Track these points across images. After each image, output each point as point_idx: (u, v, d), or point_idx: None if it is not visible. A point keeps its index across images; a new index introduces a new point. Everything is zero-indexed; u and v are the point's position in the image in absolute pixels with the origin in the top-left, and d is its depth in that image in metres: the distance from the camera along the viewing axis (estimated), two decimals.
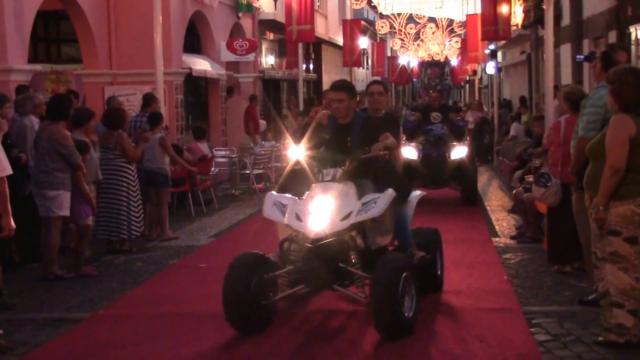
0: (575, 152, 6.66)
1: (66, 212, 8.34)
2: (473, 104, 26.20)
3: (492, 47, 30.04)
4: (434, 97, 15.33)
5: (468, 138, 15.09)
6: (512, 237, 10.17)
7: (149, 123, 10.77)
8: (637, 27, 13.47)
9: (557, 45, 18.54)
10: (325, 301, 7.22)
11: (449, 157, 13.32)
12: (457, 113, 15.43)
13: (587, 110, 6.60)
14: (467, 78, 47.48)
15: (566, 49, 18.90)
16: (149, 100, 11.66)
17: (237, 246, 10.21)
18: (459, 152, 13.43)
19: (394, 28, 41.71)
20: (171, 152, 10.75)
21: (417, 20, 41.69)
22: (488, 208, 12.99)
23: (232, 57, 19.08)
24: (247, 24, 21.27)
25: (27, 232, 8.75)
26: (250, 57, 19.50)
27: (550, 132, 8.20)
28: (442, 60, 54.13)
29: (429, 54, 46.37)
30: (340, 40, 32.54)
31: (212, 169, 14.25)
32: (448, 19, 41.91)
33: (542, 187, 7.91)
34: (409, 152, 13.24)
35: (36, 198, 8.37)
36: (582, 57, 7.40)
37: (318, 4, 29.99)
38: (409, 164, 12.56)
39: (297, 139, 6.99)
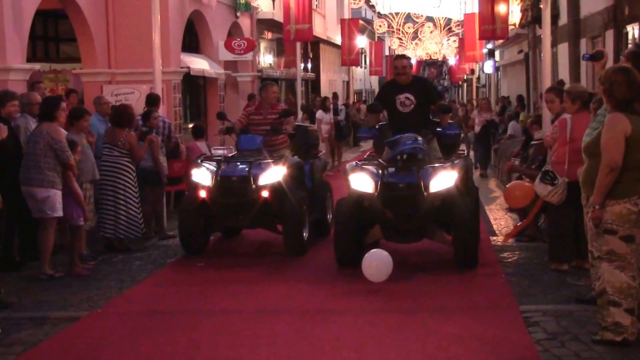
0: None
1: (59, 213, 8.28)
2: (480, 103, 21.70)
3: (489, 46, 30.11)
4: (400, 68, 9.29)
5: (465, 151, 10.17)
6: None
7: (142, 119, 10.82)
8: (634, 27, 13.50)
9: (554, 44, 18.60)
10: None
11: (427, 188, 8.11)
12: (448, 114, 9.91)
13: None
14: (465, 77, 47.57)
15: (564, 48, 18.93)
16: (155, 100, 11.43)
17: (236, 245, 10.25)
18: (443, 179, 8.21)
19: (392, 27, 41.88)
20: (156, 153, 10.62)
21: (415, 19, 41.87)
22: (486, 207, 13.00)
23: (230, 56, 19.10)
24: (245, 23, 21.29)
25: (26, 231, 8.77)
26: (249, 56, 19.52)
27: (555, 130, 8.17)
28: (440, 60, 54.18)
29: (427, 53, 46.44)
30: (338, 40, 32.59)
31: None
32: (446, 18, 42.12)
33: (548, 184, 7.90)
34: (360, 180, 8.38)
35: (28, 200, 8.28)
36: (587, 56, 7.34)
37: (316, 3, 30.01)
38: (359, 201, 8.39)
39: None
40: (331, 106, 21.77)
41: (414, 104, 9.13)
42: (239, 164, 9.25)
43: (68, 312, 7.10)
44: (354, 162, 8.97)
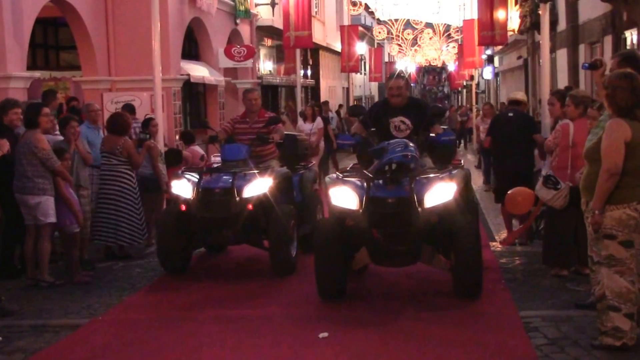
0: None
1: (52, 219, 8.26)
2: (483, 109, 20.08)
3: (489, 52, 30.14)
4: (395, 89, 8.18)
5: (461, 162, 8.88)
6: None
7: (141, 127, 10.92)
8: (633, 32, 13.55)
9: (553, 50, 18.65)
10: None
11: (421, 203, 6.95)
12: (441, 118, 8.49)
13: None
14: (465, 83, 47.64)
15: (562, 54, 18.99)
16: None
17: (235, 252, 10.25)
18: (440, 192, 7.07)
19: (392, 34, 41.95)
20: (155, 161, 10.65)
21: (414, 25, 41.94)
22: (485, 213, 13.00)
23: (230, 64, 19.14)
24: (245, 30, 21.35)
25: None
26: (249, 63, 19.57)
27: (557, 135, 8.18)
28: (439, 66, 54.23)
29: (426, 59, 46.54)
30: (338, 46, 32.64)
31: None
32: (445, 24, 42.18)
33: (551, 189, 7.91)
34: (342, 195, 7.19)
35: (21, 208, 8.26)
36: (587, 65, 7.34)
37: (316, 10, 30.07)
38: (342, 219, 7.25)
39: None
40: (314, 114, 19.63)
41: (410, 129, 8.07)
42: (222, 175, 8.52)
43: (69, 319, 7.11)
44: (334, 174, 7.86)
